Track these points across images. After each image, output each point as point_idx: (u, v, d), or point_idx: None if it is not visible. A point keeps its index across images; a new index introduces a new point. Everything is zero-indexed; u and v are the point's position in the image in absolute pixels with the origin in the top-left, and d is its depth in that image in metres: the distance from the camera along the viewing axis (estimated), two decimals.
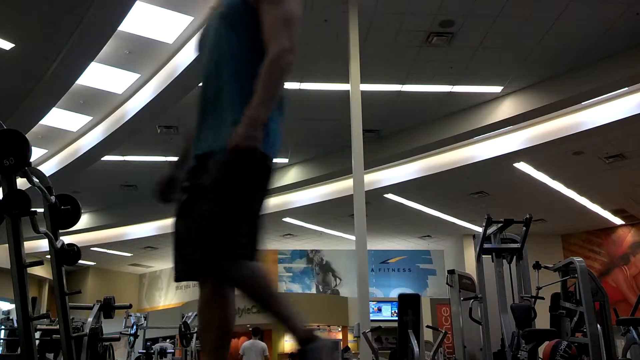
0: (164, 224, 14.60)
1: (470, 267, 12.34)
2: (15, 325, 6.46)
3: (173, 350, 10.24)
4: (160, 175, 1.95)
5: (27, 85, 8.31)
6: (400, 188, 11.22)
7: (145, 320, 10.31)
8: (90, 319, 4.49)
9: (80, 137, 10.38)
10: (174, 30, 7.40)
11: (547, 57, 7.64)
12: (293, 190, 12.13)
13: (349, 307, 15.24)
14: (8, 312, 10.35)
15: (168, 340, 11.79)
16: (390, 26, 7.10)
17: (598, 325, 5.58)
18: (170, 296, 19.45)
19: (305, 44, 7.41)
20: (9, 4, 6.74)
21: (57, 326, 3.19)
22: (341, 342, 11.87)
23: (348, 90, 6.89)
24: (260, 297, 1.64)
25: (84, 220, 14.14)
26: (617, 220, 13.47)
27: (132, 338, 9.44)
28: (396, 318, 7.18)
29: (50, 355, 4.84)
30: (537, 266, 6.22)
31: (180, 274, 1.70)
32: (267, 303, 1.64)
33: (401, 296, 7.18)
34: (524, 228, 6.19)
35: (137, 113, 8.84)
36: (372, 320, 7.40)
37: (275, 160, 1.72)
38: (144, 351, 9.89)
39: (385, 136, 10.07)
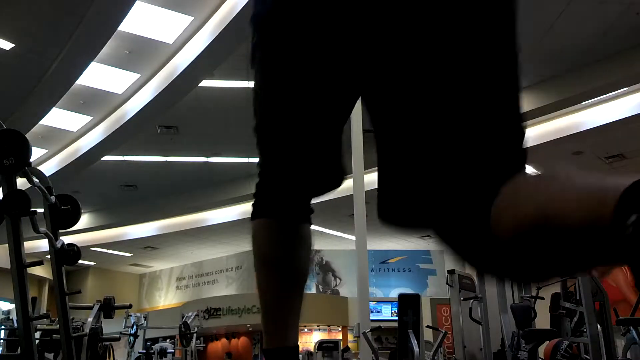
0: (164, 224, 14.61)
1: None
2: (15, 325, 6.46)
3: (173, 350, 10.23)
4: None
5: (27, 85, 8.31)
6: None
7: (145, 320, 10.30)
8: (90, 319, 4.49)
9: (80, 137, 10.39)
10: (174, 30, 7.40)
11: (547, 57, 7.64)
12: None
13: (349, 307, 15.24)
14: (8, 312, 10.35)
15: (168, 340, 11.79)
16: None
17: (598, 325, 5.58)
18: (170, 296, 19.46)
19: None
20: (9, 4, 6.74)
21: (57, 326, 3.19)
22: (341, 342, 11.85)
23: None
24: None
25: (84, 220, 14.14)
26: None
27: (132, 338, 9.43)
28: (396, 318, 7.17)
29: (50, 355, 4.84)
30: None
31: None
32: None
33: (401, 296, 7.18)
34: None
35: (137, 113, 8.85)
36: (372, 320, 7.40)
37: None
38: (144, 351, 9.88)
39: None
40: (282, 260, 1.22)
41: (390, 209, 0.95)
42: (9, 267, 2.54)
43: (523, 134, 0.92)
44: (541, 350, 5.50)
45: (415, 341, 6.48)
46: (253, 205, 1.20)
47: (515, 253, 0.73)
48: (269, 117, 1.11)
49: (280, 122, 1.09)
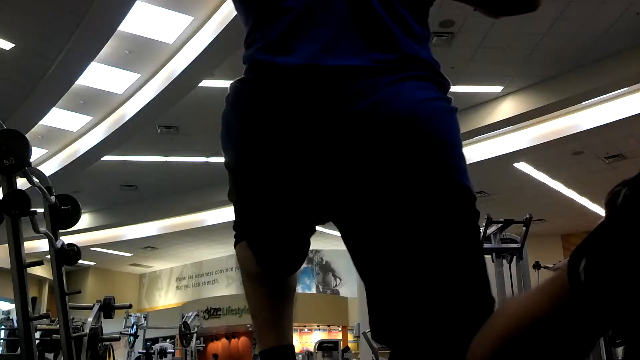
0: (164, 224, 14.61)
1: None
2: (15, 325, 6.46)
3: (173, 350, 10.24)
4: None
5: (27, 85, 8.31)
6: None
7: (145, 320, 10.31)
8: (90, 319, 4.49)
9: (80, 137, 10.38)
10: (174, 30, 7.40)
11: (547, 57, 7.64)
12: None
13: (349, 307, 15.24)
14: (8, 312, 10.36)
15: (168, 340, 11.80)
16: None
17: None
18: (170, 296, 19.46)
19: None
20: (9, 4, 6.74)
21: (57, 326, 3.19)
22: (341, 342, 11.86)
23: None
24: None
25: (84, 220, 14.14)
26: None
27: (132, 338, 9.44)
28: None
29: (50, 355, 4.84)
30: (537, 266, 6.22)
31: None
32: None
33: None
34: (524, 228, 6.19)
35: (137, 113, 8.84)
36: None
37: None
38: (144, 351, 9.89)
39: None
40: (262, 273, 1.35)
41: (380, 331, 1.07)
42: (9, 267, 2.54)
43: (488, 282, 1.02)
44: None
45: None
46: (235, 236, 1.37)
47: None
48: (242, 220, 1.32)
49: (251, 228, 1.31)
